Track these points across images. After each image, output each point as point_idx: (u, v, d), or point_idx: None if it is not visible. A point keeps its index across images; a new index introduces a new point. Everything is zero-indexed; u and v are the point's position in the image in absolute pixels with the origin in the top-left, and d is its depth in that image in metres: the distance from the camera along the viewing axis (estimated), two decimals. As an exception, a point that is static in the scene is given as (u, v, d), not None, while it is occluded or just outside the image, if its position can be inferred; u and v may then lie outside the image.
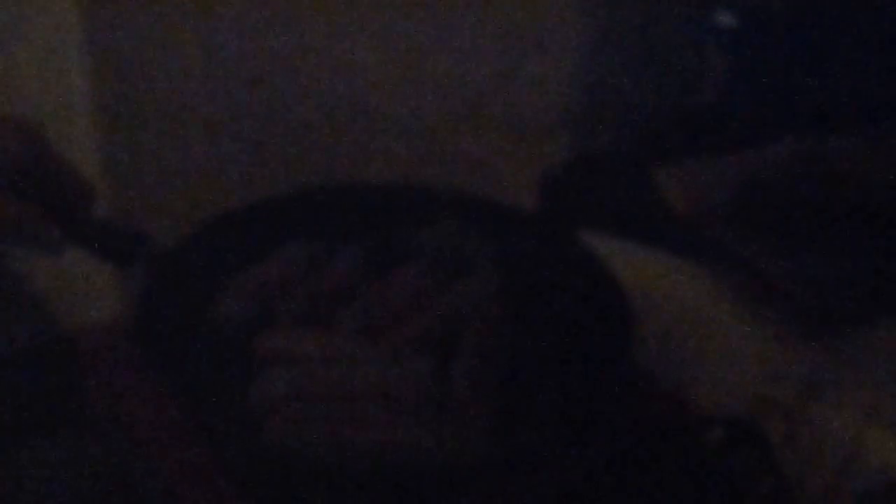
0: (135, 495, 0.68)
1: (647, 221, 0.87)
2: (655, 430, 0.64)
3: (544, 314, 0.72)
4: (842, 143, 0.86)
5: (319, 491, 0.58)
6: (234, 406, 0.62)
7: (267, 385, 0.63)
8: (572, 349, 0.68)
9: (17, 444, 0.71)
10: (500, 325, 0.68)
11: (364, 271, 0.73)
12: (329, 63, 1.11)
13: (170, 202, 1.10)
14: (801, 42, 0.91)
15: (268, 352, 0.66)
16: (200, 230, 0.75)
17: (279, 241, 0.74)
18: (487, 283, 0.73)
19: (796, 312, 0.77)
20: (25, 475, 0.69)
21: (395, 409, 0.61)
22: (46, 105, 1.09)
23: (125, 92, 1.03)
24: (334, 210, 0.79)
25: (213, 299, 0.70)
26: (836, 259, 0.80)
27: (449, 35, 1.07)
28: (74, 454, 0.70)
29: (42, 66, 1.05)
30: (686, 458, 0.60)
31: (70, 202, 0.62)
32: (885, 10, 0.88)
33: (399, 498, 0.58)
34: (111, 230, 0.68)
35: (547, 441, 0.60)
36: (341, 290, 0.71)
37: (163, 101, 1.05)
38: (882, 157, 0.85)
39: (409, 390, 0.62)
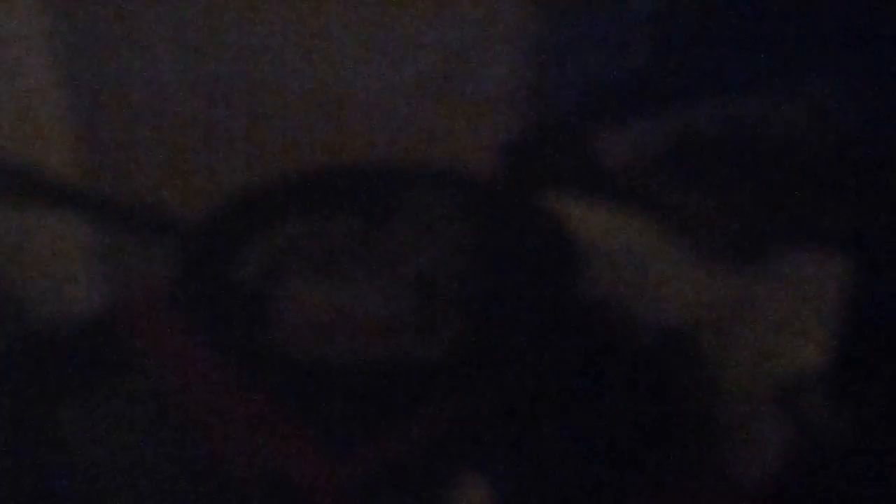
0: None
1: (593, 179, 1.01)
2: (607, 339, 0.79)
3: (505, 258, 0.88)
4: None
5: (323, 388, 0.75)
6: (252, 341, 0.77)
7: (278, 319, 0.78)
8: (528, 283, 0.84)
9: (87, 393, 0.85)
10: (470, 269, 0.85)
11: (360, 229, 0.88)
12: (301, 54, 1.21)
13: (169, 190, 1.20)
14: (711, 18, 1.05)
15: (282, 297, 0.81)
16: (221, 210, 0.88)
17: (287, 212, 0.89)
18: (459, 235, 0.88)
19: (721, 246, 0.92)
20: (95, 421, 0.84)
21: (387, 331, 0.78)
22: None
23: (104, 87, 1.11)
24: (333, 184, 0.94)
25: (237, 261, 0.84)
26: (752, 198, 0.95)
27: (409, 23, 1.19)
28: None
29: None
30: (628, 356, 0.75)
31: None
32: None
33: (388, 391, 0.75)
34: (147, 212, 0.82)
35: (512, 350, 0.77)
36: (343, 245, 0.86)
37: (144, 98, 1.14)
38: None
39: (399, 316, 0.79)
